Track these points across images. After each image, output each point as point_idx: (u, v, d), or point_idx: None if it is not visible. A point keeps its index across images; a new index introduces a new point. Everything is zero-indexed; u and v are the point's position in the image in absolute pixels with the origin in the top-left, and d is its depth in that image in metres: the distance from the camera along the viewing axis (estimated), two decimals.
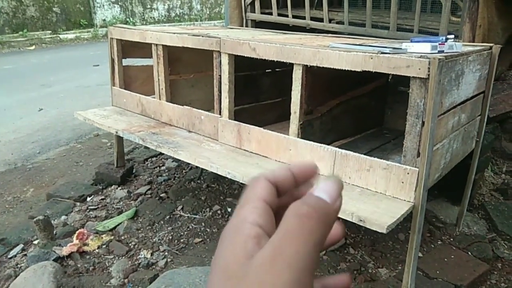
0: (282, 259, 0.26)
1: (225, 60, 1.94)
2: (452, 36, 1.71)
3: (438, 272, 1.88)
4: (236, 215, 0.31)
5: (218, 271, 0.28)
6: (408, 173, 1.44)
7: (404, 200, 1.46)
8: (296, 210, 0.28)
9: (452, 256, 1.99)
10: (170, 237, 2.14)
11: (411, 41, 1.61)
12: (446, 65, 1.41)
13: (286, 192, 0.34)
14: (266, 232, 0.29)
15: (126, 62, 2.69)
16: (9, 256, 2.04)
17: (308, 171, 0.35)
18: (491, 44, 1.97)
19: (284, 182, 0.34)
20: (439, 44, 1.55)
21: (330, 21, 3.18)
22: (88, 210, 2.41)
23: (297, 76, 1.69)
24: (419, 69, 1.35)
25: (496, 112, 2.55)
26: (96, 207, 2.45)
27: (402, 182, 1.46)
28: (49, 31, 9.96)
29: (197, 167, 2.81)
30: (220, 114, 2.03)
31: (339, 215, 0.33)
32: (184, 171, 2.91)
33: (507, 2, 2.68)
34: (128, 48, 2.61)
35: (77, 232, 2.09)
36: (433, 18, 2.96)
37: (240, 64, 1.99)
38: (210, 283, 0.28)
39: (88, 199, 2.54)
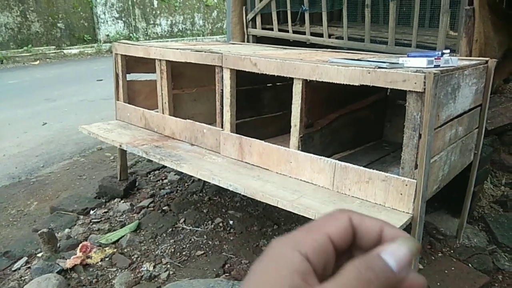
0: None
1: (227, 74, 1.98)
2: (448, 51, 1.75)
3: (438, 284, 1.89)
4: (290, 237, 0.29)
5: None
6: (406, 185, 1.47)
7: (403, 212, 1.49)
8: (359, 269, 0.26)
9: (453, 268, 2.00)
10: (173, 250, 2.16)
11: (408, 56, 1.66)
12: (442, 79, 1.45)
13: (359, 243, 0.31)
14: (315, 270, 0.28)
15: (130, 77, 2.74)
16: (13, 269, 2.06)
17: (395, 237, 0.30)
18: (487, 58, 2.01)
19: (364, 235, 0.30)
20: (435, 58, 1.60)
21: (329, 36, 3.24)
22: (91, 223, 2.44)
23: (297, 90, 1.74)
24: (415, 83, 1.39)
25: (494, 125, 2.59)
26: (99, 220, 2.47)
27: (401, 194, 1.49)
28: (53, 46, 10.11)
29: (199, 180, 2.84)
30: (222, 127, 2.07)
31: None
32: (186, 184, 2.94)
33: (503, 17, 2.73)
34: (132, 63, 2.67)
35: (80, 245, 2.11)
36: (431, 32, 3.03)
37: (242, 78, 2.03)
38: None
39: (92, 212, 2.57)
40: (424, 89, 1.37)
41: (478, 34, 2.51)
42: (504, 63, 2.74)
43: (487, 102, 2.05)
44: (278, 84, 2.53)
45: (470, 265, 2.04)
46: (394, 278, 0.27)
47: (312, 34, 3.33)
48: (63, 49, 10.18)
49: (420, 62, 1.57)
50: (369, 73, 1.48)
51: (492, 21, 2.57)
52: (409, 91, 1.41)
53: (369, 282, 0.26)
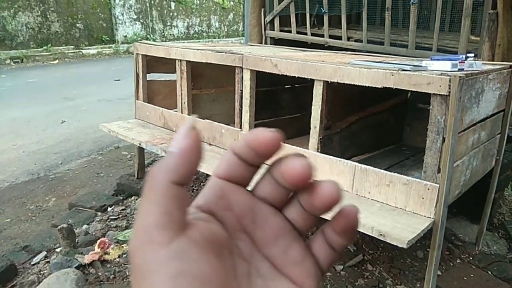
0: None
1: (247, 75, 1.99)
2: (472, 54, 1.73)
3: None
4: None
5: None
6: (428, 189, 1.45)
7: (424, 216, 1.47)
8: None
9: (472, 275, 1.97)
10: None
11: (431, 59, 1.64)
12: (467, 82, 1.43)
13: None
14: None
15: (150, 77, 2.77)
16: (32, 263, 2.09)
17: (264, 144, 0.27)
18: (511, 63, 1.98)
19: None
20: (459, 62, 1.58)
21: (348, 39, 3.23)
22: (109, 220, 2.46)
23: (317, 92, 1.73)
24: (440, 86, 1.37)
25: None
26: (117, 217, 2.50)
27: (423, 198, 1.47)
28: (72, 46, 10.28)
29: None
30: (240, 128, 2.08)
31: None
32: (202, 184, 2.95)
33: None
34: (151, 63, 2.70)
35: (98, 241, 2.13)
36: (451, 36, 2.99)
37: (261, 80, 2.04)
38: None
39: (109, 209, 2.60)
40: (449, 92, 1.36)
41: (501, 39, 2.48)
42: None
43: (510, 108, 2.02)
44: (296, 85, 2.52)
45: (489, 272, 2.01)
46: (170, 156, 0.25)
47: (330, 36, 3.32)
48: (82, 49, 10.35)
49: (444, 65, 1.55)
50: (392, 75, 1.47)
51: None
52: (434, 94, 1.40)
53: (150, 176, 0.25)
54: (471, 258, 2.12)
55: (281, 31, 3.63)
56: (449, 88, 1.36)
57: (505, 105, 1.98)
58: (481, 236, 2.18)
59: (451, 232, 2.25)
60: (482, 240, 2.19)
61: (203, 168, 1.97)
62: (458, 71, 1.53)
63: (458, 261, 2.09)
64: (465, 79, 1.40)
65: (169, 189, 0.24)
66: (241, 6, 13.36)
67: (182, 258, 0.22)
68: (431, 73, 1.43)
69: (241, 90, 2.04)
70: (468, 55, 1.70)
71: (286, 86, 2.54)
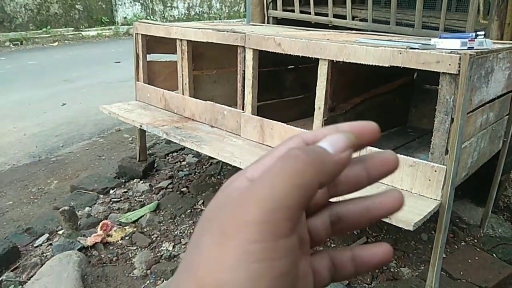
0: (253, 197, 0.23)
1: (249, 55, 1.94)
2: (482, 33, 1.67)
3: (462, 273, 1.85)
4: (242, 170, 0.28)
5: (214, 198, 0.26)
6: (435, 171, 1.42)
7: (431, 198, 1.44)
8: (286, 152, 0.25)
9: (476, 258, 1.96)
10: (191, 231, 2.16)
11: (440, 37, 1.59)
12: (477, 61, 1.39)
13: None
14: None
15: (150, 57, 2.72)
16: (35, 245, 2.09)
17: (364, 135, 0.29)
18: None
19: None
20: (469, 40, 1.53)
21: (353, 18, 3.15)
22: (111, 202, 2.45)
23: (322, 72, 1.69)
24: (450, 64, 1.33)
25: None
26: (119, 199, 2.49)
27: (429, 180, 1.44)
28: (72, 28, 10.15)
29: (217, 162, 2.83)
30: (243, 109, 2.04)
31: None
32: (204, 166, 2.93)
33: None
34: (152, 44, 2.64)
35: (101, 223, 2.13)
36: (458, 16, 2.91)
37: (263, 60, 1.99)
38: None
39: (111, 191, 2.58)
40: (459, 71, 1.31)
41: (510, 18, 2.41)
42: None
43: None
44: (300, 66, 2.47)
45: (494, 255, 1.99)
46: (328, 156, 0.25)
47: (334, 16, 3.24)
48: (81, 31, 10.22)
49: (454, 43, 1.50)
50: (400, 53, 1.42)
51: None
52: (443, 73, 1.35)
53: (296, 158, 0.24)
54: (476, 240, 2.10)
55: (284, 10, 3.54)
56: (459, 67, 1.32)
57: None
58: (486, 219, 2.16)
59: (456, 215, 2.23)
60: (487, 223, 2.17)
61: (206, 150, 1.94)
62: (467, 49, 1.48)
63: (462, 243, 2.08)
64: (475, 58, 1.35)
65: (314, 188, 0.24)
66: None
67: (291, 255, 0.23)
68: (440, 51, 1.38)
69: (243, 71, 1.99)
70: (478, 33, 1.64)
71: (289, 67, 2.49)
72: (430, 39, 1.67)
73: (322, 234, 0.29)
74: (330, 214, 0.30)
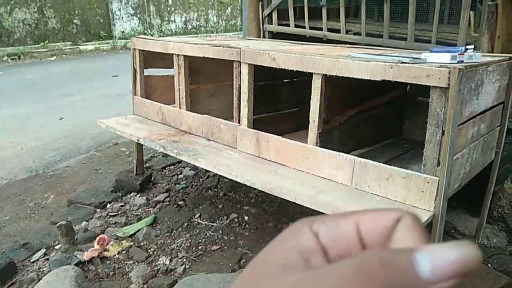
0: None
1: (245, 69, 1.97)
2: (472, 46, 1.72)
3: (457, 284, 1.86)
4: (312, 217, 0.25)
5: (249, 268, 0.23)
6: (428, 182, 1.45)
7: (424, 209, 1.46)
8: (363, 258, 0.20)
9: None
10: (188, 244, 2.16)
11: (431, 51, 1.63)
12: (466, 74, 1.42)
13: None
14: (326, 253, 0.23)
15: (147, 72, 2.75)
16: (32, 260, 2.09)
17: (382, 227, 0.23)
18: (511, 55, 1.96)
19: (340, 243, 0.24)
20: (459, 54, 1.56)
21: (347, 32, 3.20)
22: (108, 217, 2.46)
23: (316, 86, 1.72)
24: (440, 78, 1.36)
25: None
26: (116, 213, 2.49)
27: (422, 191, 1.46)
28: (70, 42, 10.22)
29: (214, 175, 2.85)
30: (239, 122, 2.07)
31: None
32: (201, 179, 2.95)
33: None
34: (149, 58, 2.68)
35: (98, 237, 2.13)
36: (451, 29, 2.97)
37: (259, 74, 2.02)
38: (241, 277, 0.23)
39: (108, 205, 2.59)
40: (449, 84, 1.35)
41: (500, 31, 2.46)
42: None
43: (510, 100, 2.00)
44: (295, 80, 2.51)
45: (489, 265, 2.00)
46: (418, 282, 0.19)
47: (329, 30, 3.30)
48: (79, 45, 10.29)
49: (444, 57, 1.54)
50: (391, 68, 1.46)
51: None
52: (433, 86, 1.39)
53: (371, 275, 0.19)
54: None
55: (279, 24, 3.60)
56: (449, 81, 1.35)
57: (504, 97, 1.97)
58: (481, 229, 2.18)
59: (451, 225, 2.25)
60: (482, 233, 2.19)
61: (202, 163, 1.96)
62: (457, 63, 1.51)
63: None
64: (464, 71, 1.38)
65: None
66: (239, 0, 13.29)
67: None
68: (430, 65, 1.42)
69: (239, 85, 2.02)
70: (468, 47, 1.68)
71: (285, 80, 2.52)
72: (421, 53, 1.71)
73: None
74: None
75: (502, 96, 1.94)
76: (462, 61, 1.55)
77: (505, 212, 2.40)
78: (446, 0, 3.32)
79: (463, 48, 1.64)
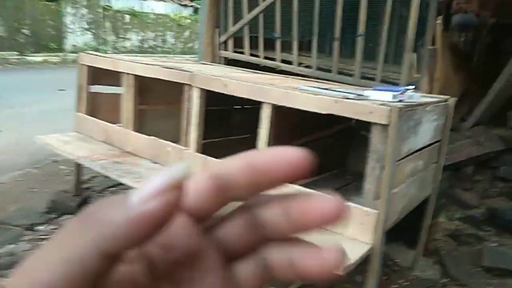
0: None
1: (196, 93, 1.96)
2: (413, 87, 1.82)
3: None
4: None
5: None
6: (367, 215, 1.48)
7: (363, 242, 1.49)
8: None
9: None
10: None
11: (374, 89, 1.71)
12: (406, 113, 1.50)
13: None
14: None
15: (95, 89, 2.66)
16: None
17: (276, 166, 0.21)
18: (448, 96, 2.10)
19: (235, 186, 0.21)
20: (400, 94, 1.65)
21: (299, 64, 3.30)
22: (39, 240, 2.29)
23: (266, 114, 1.73)
24: (381, 115, 1.42)
25: (451, 160, 2.69)
26: (48, 236, 2.33)
27: (362, 224, 1.49)
28: (16, 52, 9.74)
29: None
30: (187, 146, 2.03)
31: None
32: None
33: (462, 59, 2.89)
34: (98, 75, 2.59)
35: None
36: (395, 68, 3.15)
37: (211, 99, 2.01)
38: None
39: (41, 227, 2.41)
40: (389, 122, 1.41)
41: (439, 73, 2.64)
42: (462, 103, 2.88)
43: (447, 139, 2.13)
44: (247, 106, 2.52)
45: None
46: (126, 212, 0.18)
47: (282, 61, 3.38)
48: (27, 55, 9.82)
49: (386, 95, 1.62)
50: (336, 102, 1.50)
51: (453, 62, 2.71)
52: (375, 123, 1.44)
53: (79, 222, 0.19)
54: (408, 283, 2.17)
55: (234, 52, 3.65)
56: (389, 118, 1.41)
57: (441, 136, 2.09)
58: (417, 262, 2.26)
59: (389, 257, 2.31)
60: (417, 265, 2.26)
61: None
62: (398, 102, 1.59)
63: (395, 286, 2.14)
64: (404, 110, 1.46)
65: (90, 259, 0.18)
66: (198, 24, 13.40)
67: None
68: (373, 102, 1.48)
69: (189, 108, 2.00)
70: (408, 87, 1.78)
71: (237, 107, 2.53)
72: (365, 90, 1.78)
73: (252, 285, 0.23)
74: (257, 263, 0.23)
75: (439, 134, 2.06)
76: (402, 100, 1.63)
77: (439, 246, 2.50)
78: (391, 41, 3.53)
79: (404, 88, 1.73)
